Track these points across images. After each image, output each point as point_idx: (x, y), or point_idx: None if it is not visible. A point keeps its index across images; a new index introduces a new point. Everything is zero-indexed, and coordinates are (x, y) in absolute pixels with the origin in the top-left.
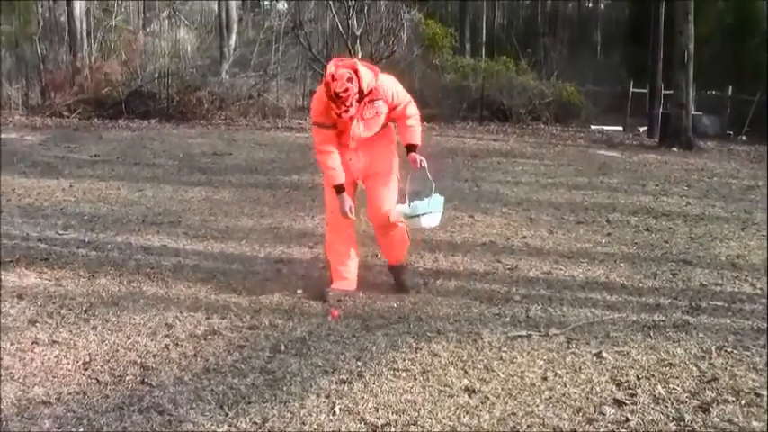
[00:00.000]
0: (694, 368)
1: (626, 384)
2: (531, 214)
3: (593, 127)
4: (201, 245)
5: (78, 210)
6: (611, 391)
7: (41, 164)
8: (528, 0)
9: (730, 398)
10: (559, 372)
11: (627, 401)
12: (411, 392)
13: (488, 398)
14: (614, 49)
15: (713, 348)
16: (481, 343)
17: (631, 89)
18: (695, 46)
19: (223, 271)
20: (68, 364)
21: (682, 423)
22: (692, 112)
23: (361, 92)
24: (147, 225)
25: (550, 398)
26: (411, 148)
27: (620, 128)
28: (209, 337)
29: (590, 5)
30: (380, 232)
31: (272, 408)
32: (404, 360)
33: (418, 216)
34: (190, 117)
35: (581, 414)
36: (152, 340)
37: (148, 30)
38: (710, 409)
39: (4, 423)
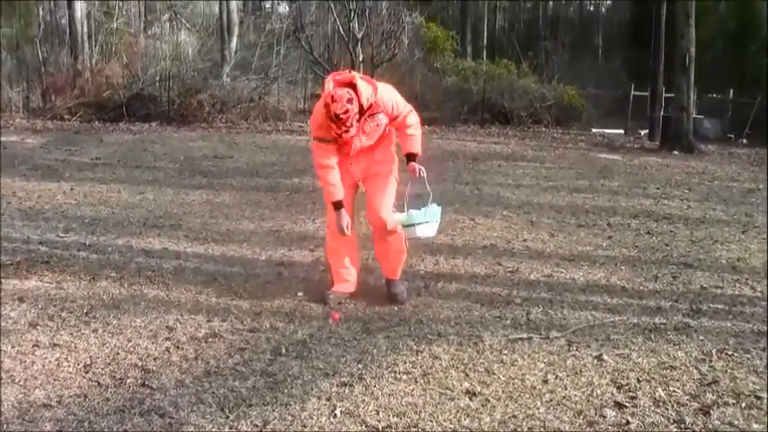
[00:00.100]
0: (695, 371)
1: (626, 387)
2: (531, 217)
3: (594, 130)
4: (202, 248)
5: (79, 213)
6: (612, 393)
7: (42, 167)
8: (529, 3)
9: (731, 401)
10: (560, 374)
11: (627, 404)
12: (412, 395)
13: (489, 401)
14: (615, 53)
15: (714, 351)
16: (482, 346)
17: (632, 92)
18: (696, 49)
19: (224, 274)
20: (69, 366)
21: (682, 426)
22: (693, 116)
23: (361, 107)
24: (147, 228)
25: (551, 401)
26: (411, 157)
27: (622, 131)
28: (210, 339)
29: (591, 9)
30: (378, 236)
31: (273, 410)
32: (405, 363)
33: (414, 225)
34: (191, 120)
35: (582, 417)
36: (153, 343)
37: (149, 32)
38: (711, 411)
39: (5, 426)
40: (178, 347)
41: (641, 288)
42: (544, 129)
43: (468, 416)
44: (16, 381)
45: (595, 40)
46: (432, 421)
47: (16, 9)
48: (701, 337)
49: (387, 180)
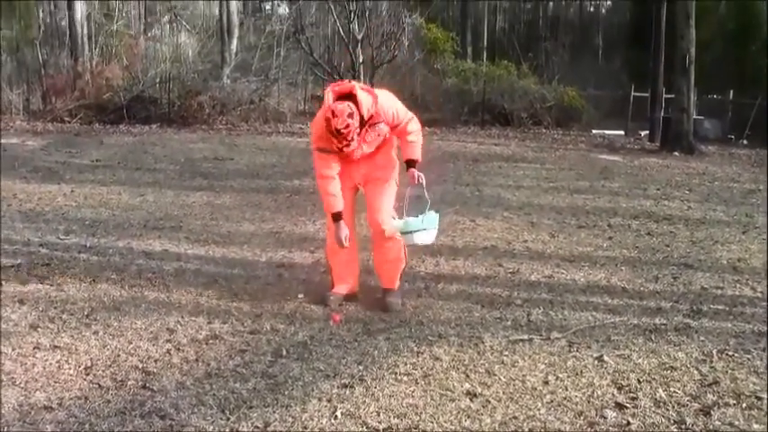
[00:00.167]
0: (695, 371)
1: (627, 388)
2: (532, 218)
3: (594, 131)
4: (203, 249)
5: (80, 215)
6: (613, 394)
7: (42, 169)
8: (529, 4)
9: (731, 401)
10: (561, 375)
11: (628, 405)
12: (412, 396)
13: (490, 402)
14: (616, 54)
15: (714, 352)
16: (483, 347)
17: (633, 93)
18: (696, 50)
19: (224, 276)
20: (70, 369)
21: (683, 426)
22: (694, 116)
23: (361, 118)
24: (148, 230)
25: (552, 401)
26: (411, 163)
27: (622, 132)
28: (210, 341)
29: (591, 9)
30: (376, 242)
31: (274, 412)
32: (405, 364)
33: (411, 233)
34: (191, 122)
35: (582, 418)
36: (154, 345)
37: (150, 34)
38: (711, 412)
39: (6, 428)
40: (179, 349)
41: (642, 289)
42: (544, 130)
43: (468, 417)
44: (17, 383)
45: (595, 41)
46: (432, 422)
47: (16, 11)
48: (702, 338)
49: (387, 184)
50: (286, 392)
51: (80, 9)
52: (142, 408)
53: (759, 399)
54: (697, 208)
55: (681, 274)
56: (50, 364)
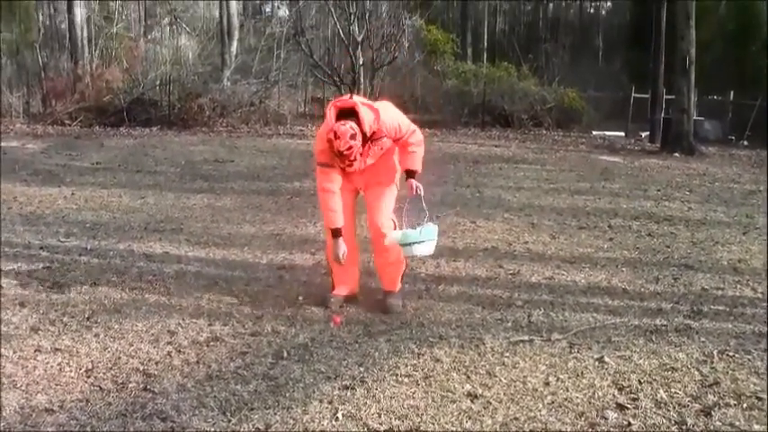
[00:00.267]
0: (696, 372)
1: (628, 389)
2: (533, 219)
3: (594, 132)
4: (203, 252)
5: (80, 217)
6: (614, 395)
7: (43, 172)
8: (529, 5)
9: (732, 402)
10: (561, 377)
11: (629, 406)
12: (413, 398)
13: (491, 403)
14: (616, 55)
15: (715, 352)
16: (483, 348)
17: (633, 94)
18: (697, 51)
19: (225, 278)
20: (71, 371)
21: (684, 427)
22: (694, 117)
23: (364, 135)
24: (149, 232)
25: (553, 403)
26: (410, 173)
27: (622, 133)
28: (211, 343)
29: (591, 11)
30: (377, 245)
31: (275, 414)
32: (406, 366)
33: (410, 244)
34: (191, 124)
35: (583, 419)
36: (154, 347)
37: (150, 37)
38: (712, 413)
39: (8, 431)
40: (180, 351)
41: (642, 290)
42: (545, 131)
43: (469, 418)
44: (18, 386)
45: (596, 43)
46: (433, 424)
47: (16, 14)
48: (703, 339)
49: (387, 188)
50: (287, 394)
51: (80, 12)
52: (143, 410)
53: (760, 399)
54: (697, 209)
55: (681, 274)
56: (51, 366)
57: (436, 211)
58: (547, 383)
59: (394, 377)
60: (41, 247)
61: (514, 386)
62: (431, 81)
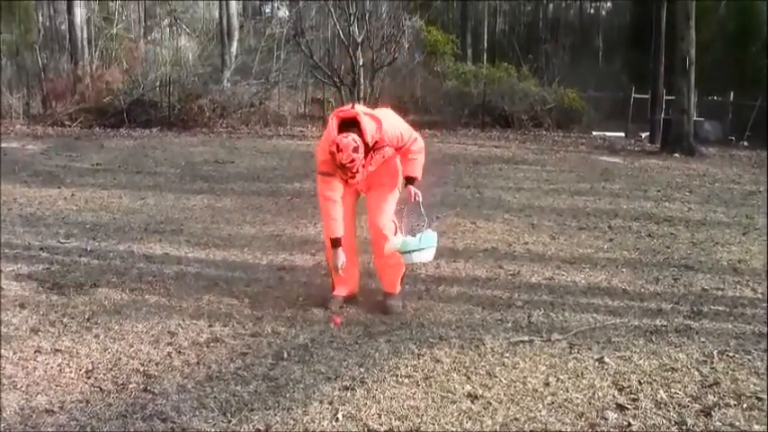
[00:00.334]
0: (696, 373)
1: (628, 389)
2: (533, 220)
3: (594, 133)
4: (204, 253)
5: (80, 218)
6: (614, 396)
7: (43, 173)
8: (529, 6)
9: (732, 402)
10: (562, 377)
11: (629, 406)
12: (414, 399)
13: (491, 403)
14: (616, 55)
15: (715, 353)
16: (483, 349)
17: (633, 95)
18: (697, 52)
19: (225, 279)
20: (71, 372)
21: (684, 427)
22: (694, 118)
23: (366, 145)
24: (149, 233)
25: (553, 403)
26: (410, 180)
27: (622, 134)
28: (211, 344)
29: (591, 11)
30: (377, 247)
31: (275, 415)
32: (406, 366)
33: (410, 252)
34: (191, 125)
35: (583, 419)
36: (155, 348)
37: (149, 38)
38: (712, 413)
39: None
40: (180, 352)
41: (642, 290)
42: (545, 132)
43: (469, 419)
44: (18, 387)
45: (596, 43)
46: (434, 424)
47: (16, 15)
48: (703, 339)
49: (388, 190)
50: (287, 395)
51: (80, 13)
52: (143, 411)
53: (760, 399)
54: (697, 209)
55: (681, 275)
56: (51, 367)
57: (436, 211)
58: (547, 384)
59: (394, 378)
60: (41, 249)
61: (514, 387)
62: (431, 82)
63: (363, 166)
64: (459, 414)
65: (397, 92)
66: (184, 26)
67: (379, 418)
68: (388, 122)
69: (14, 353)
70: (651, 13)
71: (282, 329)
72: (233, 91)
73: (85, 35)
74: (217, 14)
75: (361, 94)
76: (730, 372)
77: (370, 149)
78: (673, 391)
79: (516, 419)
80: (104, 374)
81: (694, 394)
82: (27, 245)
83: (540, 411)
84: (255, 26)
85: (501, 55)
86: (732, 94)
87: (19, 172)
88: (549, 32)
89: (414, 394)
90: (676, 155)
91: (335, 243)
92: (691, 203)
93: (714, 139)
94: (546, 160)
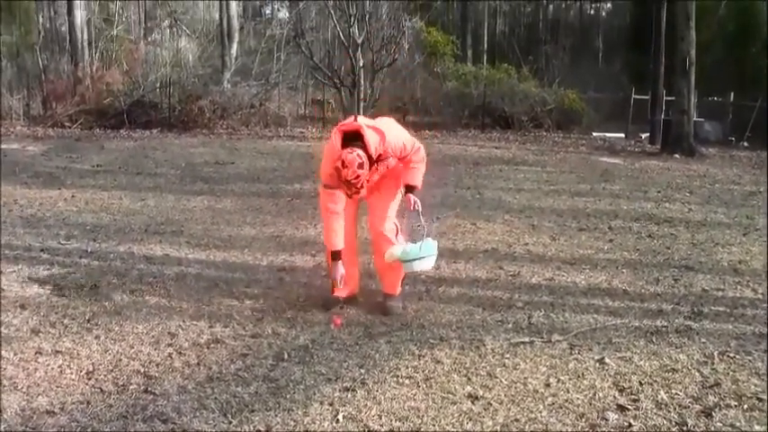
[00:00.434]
0: (697, 373)
1: (629, 390)
2: (533, 221)
3: (594, 134)
4: (204, 254)
5: (80, 220)
6: (614, 396)
7: (43, 174)
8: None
9: (733, 403)
10: (562, 378)
11: (630, 407)
12: (414, 399)
13: (491, 404)
14: (616, 56)
15: (715, 354)
16: (484, 350)
17: (633, 96)
18: (697, 52)
19: (226, 280)
20: (72, 373)
21: (684, 428)
22: (694, 119)
23: (370, 158)
24: (149, 234)
25: (553, 404)
26: (410, 188)
27: (622, 135)
28: (212, 345)
29: (591, 12)
30: (378, 249)
31: (276, 416)
32: (407, 367)
33: (411, 261)
34: (191, 126)
35: (584, 420)
36: (155, 349)
37: (150, 39)
38: (713, 413)
39: None
40: (180, 353)
41: (643, 291)
42: (545, 133)
43: (470, 420)
44: (19, 388)
45: (596, 44)
46: (434, 425)
47: (16, 16)
48: (703, 340)
49: (390, 193)
50: (288, 396)
51: (80, 14)
52: (144, 412)
53: (760, 400)
54: (698, 210)
55: (682, 276)
56: (52, 368)
57: (437, 212)
58: (547, 385)
59: (395, 379)
60: (42, 250)
61: (515, 387)
62: (431, 83)
63: (368, 181)
64: (460, 415)
65: (397, 93)
66: (184, 27)
67: (380, 419)
68: (391, 134)
69: (15, 354)
70: (651, 13)
71: (283, 330)
72: (233, 92)
73: (86, 36)
74: (217, 16)
75: (362, 96)
76: (731, 372)
77: (374, 162)
78: (673, 391)
79: (517, 420)
80: (105, 375)
81: (695, 395)
82: (27, 246)
83: (540, 412)
84: (256, 27)
85: (501, 56)
86: (732, 94)
87: (19, 173)
88: (549, 33)
89: (414, 395)
90: (676, 156)
91: (335, 256)
92: (691, 204)
93: (714, 139)
94: (546, 161)
